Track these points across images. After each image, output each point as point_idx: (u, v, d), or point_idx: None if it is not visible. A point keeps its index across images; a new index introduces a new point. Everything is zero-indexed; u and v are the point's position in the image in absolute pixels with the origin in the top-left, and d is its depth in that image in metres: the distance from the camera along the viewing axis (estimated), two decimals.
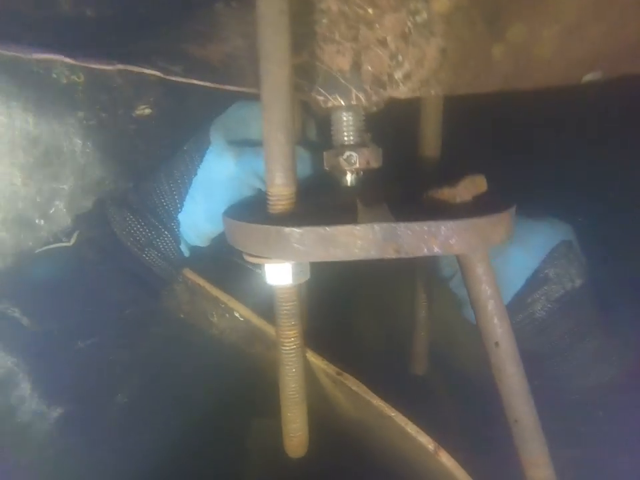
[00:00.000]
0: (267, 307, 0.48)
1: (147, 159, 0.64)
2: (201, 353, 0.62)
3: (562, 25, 0.37)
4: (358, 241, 0.36)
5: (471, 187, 0.39)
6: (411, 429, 0.40)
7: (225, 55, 0.41)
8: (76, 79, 0.61)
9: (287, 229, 0.37)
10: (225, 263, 0.62)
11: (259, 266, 0.43)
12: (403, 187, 0.48)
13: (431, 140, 0.55)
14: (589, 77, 0.42)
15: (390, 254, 0.36)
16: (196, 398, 0.62)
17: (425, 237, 0.36)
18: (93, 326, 0.50)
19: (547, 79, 0.42)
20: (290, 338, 0.44)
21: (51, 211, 0.56)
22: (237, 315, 0.53)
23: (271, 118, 0.39)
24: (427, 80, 0.44)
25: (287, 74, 0.38)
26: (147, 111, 0.69)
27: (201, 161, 0.50)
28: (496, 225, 0.38)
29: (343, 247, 0.36)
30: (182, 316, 0.67)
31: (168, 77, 0.38)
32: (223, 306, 0.54)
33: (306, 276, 0.43)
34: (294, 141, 0.40)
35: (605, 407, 0.48)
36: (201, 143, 0.50)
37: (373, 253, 0.36)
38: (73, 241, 0.48)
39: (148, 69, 0.39)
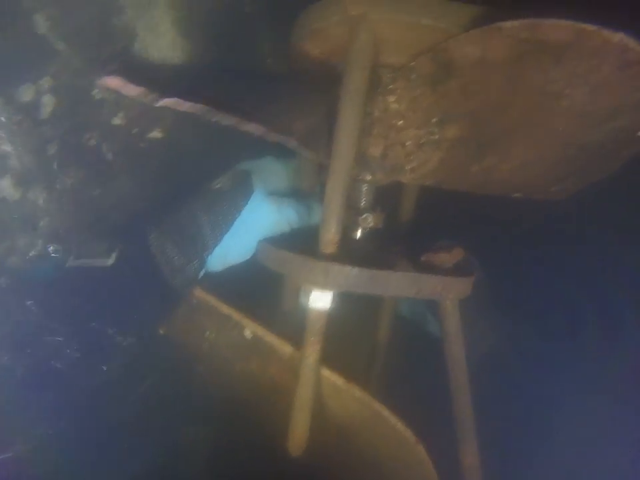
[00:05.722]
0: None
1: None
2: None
3: (513, 164, 0.60)
4: (393, 282, 0.51)
5: (456, 254, 0.58)
6: (400, 426, 0.54)
7: (308, 129, 0.53)
8: (107, 96, 0.64)
9: (348, 267, 0.50)
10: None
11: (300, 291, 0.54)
12: (400, 245, 0.64)
13: (408, 210, 0.73)
14: (515, 195, 0.67)
15: (411, 294, 0.52)
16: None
17: (437, 285, 0.53)
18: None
19: (493, 190, 0.65)
20: (315, 351, 0.54)
21: None
22: (246, 332, 0.61)
23: (335, 183, 0.53)
24: (425, 175, 0.63)
25: (353, 153, 0.53)
26: (159, 135, 0.74)
27: (245, 204, 0.59)
28: (469, 284, 0.57)
29: (382, 285, 0.51)
30: (161, 332, 0.70)
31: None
32: (232, 323, 0.61)
33: (334, 304, 0.55)
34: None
35: None
36: (245, 189, 0.60)
37: (401, 292, 0.51)
38: (111, 261, 0.50)
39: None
